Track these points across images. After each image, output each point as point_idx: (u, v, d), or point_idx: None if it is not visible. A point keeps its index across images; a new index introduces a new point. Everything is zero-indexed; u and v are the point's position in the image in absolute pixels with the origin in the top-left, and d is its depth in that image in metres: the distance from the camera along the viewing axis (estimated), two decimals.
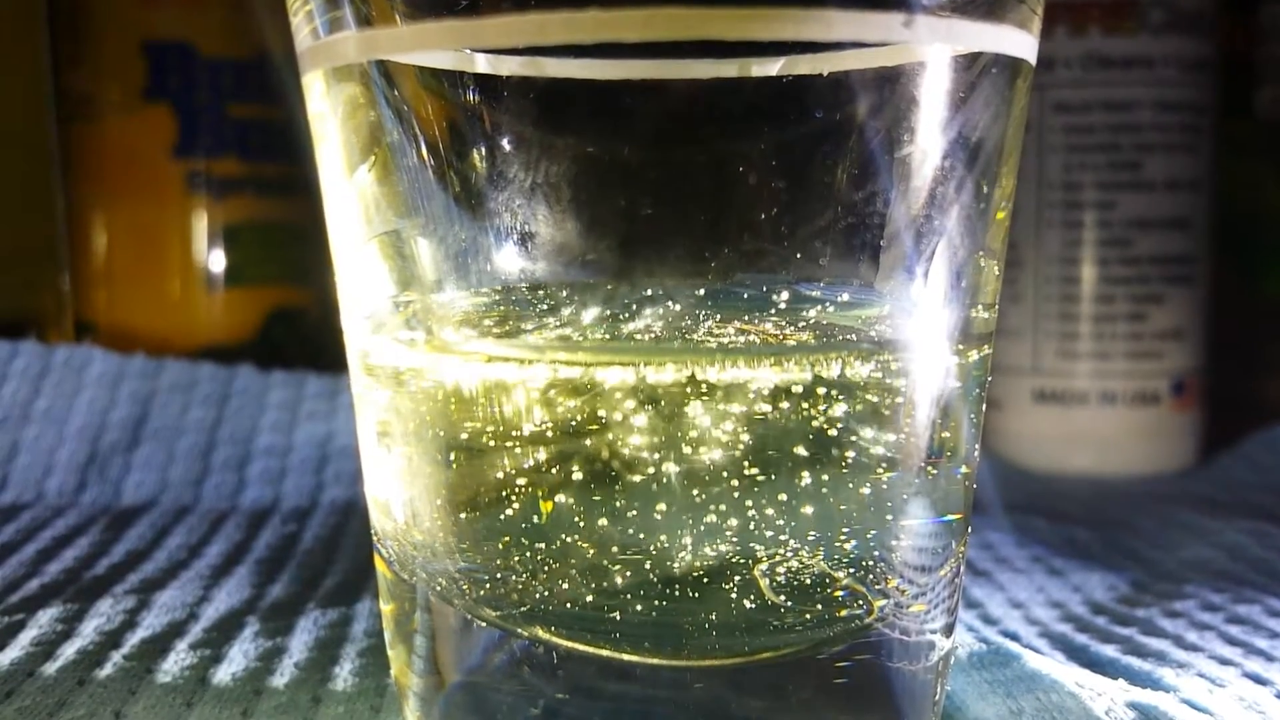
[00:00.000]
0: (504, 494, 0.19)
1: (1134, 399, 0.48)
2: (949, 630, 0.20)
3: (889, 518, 0.19)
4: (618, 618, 0.19)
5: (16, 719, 0.23)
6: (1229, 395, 0.51)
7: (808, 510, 0.19)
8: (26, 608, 0.29)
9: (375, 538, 0.21)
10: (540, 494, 0.19)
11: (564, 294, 0.19)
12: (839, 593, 0.19)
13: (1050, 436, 0.48)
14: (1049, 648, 0.28)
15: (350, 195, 0.20)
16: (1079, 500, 0.44)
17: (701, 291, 0.19)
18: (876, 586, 0.19)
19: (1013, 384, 0.49)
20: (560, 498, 0.19)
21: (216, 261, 0.51)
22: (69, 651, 0.27)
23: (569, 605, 0.19)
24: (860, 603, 0.19)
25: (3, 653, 0.26)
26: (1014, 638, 0.28)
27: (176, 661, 0.26)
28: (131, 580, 0.32)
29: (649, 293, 0.19)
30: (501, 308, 0.19)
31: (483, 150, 0.19)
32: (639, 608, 0.18)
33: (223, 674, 0.26)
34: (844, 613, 0.19)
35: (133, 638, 0.28)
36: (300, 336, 0.52)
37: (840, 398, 0.19)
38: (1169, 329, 0.48)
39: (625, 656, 0.19)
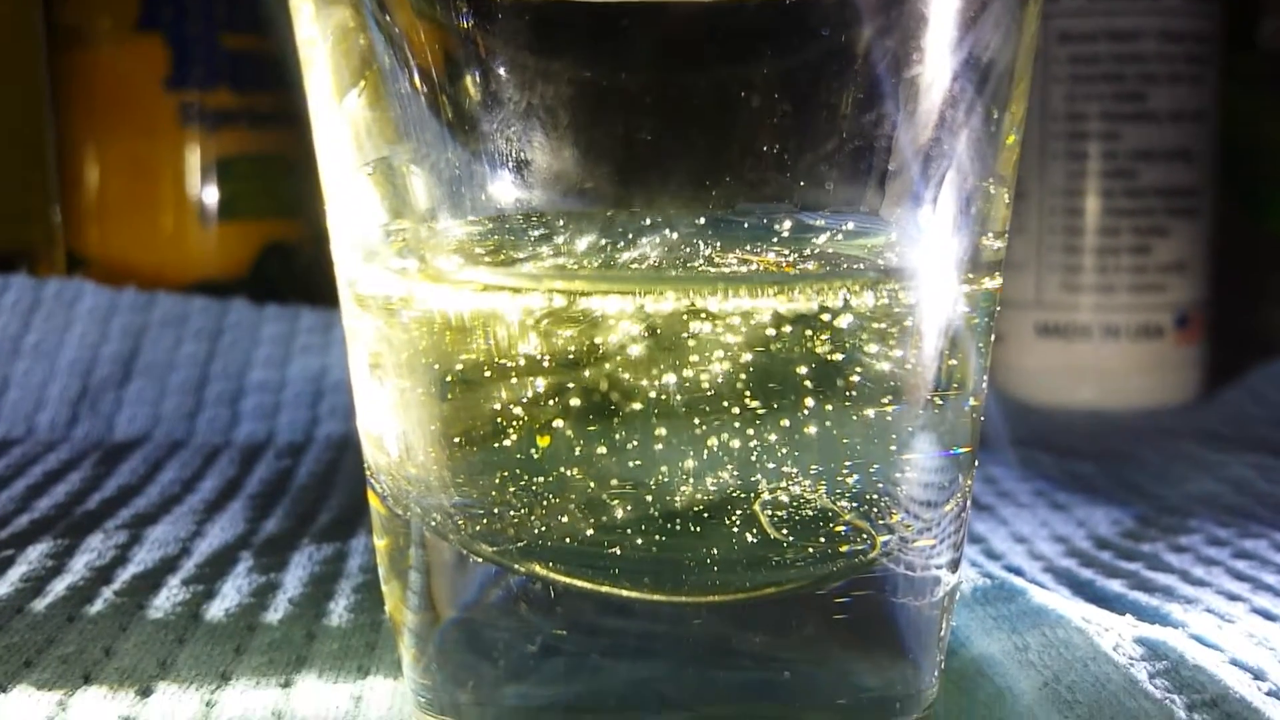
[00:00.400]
0: (499, 427, 0.18)
1: (1137, 332, 0.48)
2: (954, 566, 0.20)
3: (894, 451, 0.19)
4: (616, 553, 0.18)
5: (5, 656, 0.23)
6: (1233, 328, 0.50)
7: (811, 444, 0.18)
8: (16, 543, 0.29)
9: (369, 472, 0.20)
10: (536, 427, 0.18)
11: (561, 222, 0.19)
12: (841, 528, 0.18)
13: (1053, 370, 0.48)
14: (1054, 583, 0.27)
15: (340, 122, 0.19)
16: (1082, 434, 0.43)
17: (702, 220, 0.19)
18: (881, 521, 0.19)
19: (1015, 317, 0.48)
20: (557, 430, 0.18)
21: (209, 195, 0.50)
22: (59, 587, 0.26)
23: (566, 540, 0.18)
24: (864, 538, 0.19)
25: None
26: (1018, 573, 0.27)
27: (168, 597, 0.26)
28: (123, 515, 0.32)
29: (648, 221, 0.19)
30: (496, 236, 0.19)
31: (476, 75, 0.18)
32: (638, 543, 0.18)
33: (215, 610, 0.25)
34: (846, 548, 0.19)
35: (124, 573, 0.27)
36: (294, 271, 0.51)
37: (845, 328, 0.18)
38: (1173, 262, 0.48)
39: (624, 592, 0.18)
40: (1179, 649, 0.21)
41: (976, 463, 0.20)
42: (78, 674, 0.22)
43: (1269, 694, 0.20)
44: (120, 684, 0.22)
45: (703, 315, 0.18)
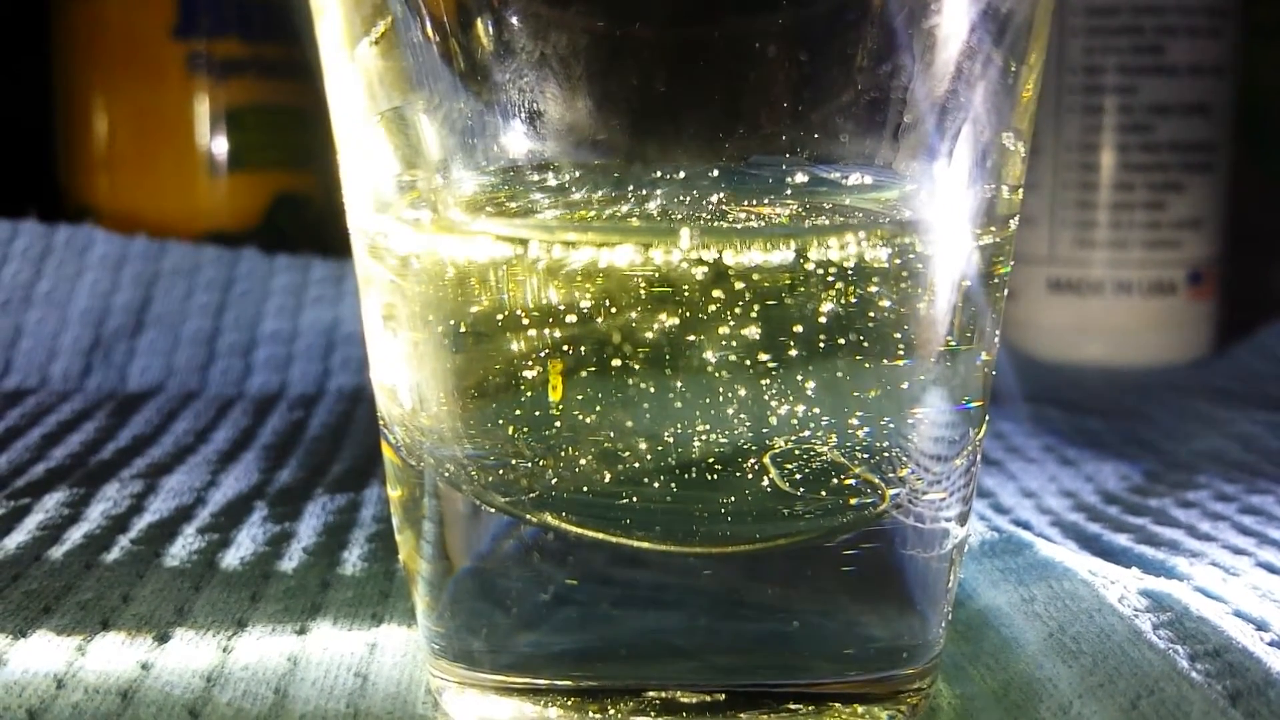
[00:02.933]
0: (512, 378, 0.18)
1: (1150, 288, 0.47)
2: (963, 519, 0.20)
3: (906, 404, 0.19)
4: (628, 504, 0.18)
5: (24, 603, 0.23)
6: (1245, 285, 0.50)
7: (823, 396, 0.18)
8: (32, 492, 0.29)
9: (382, 423, 0.21)
10: (549, 378, 0.18)
11: (574, 174, 0.19)
12: (851, 480, 0.19)
13: (1064, 326, 0.48)
14: (1061, 536, 0.27)
15: (352, 72, 0.19)
16: (1092, 390, 0.43)
17: (715, 172, 0.19)
18: (891, 474, 0.19)
19: (1027, 273, 0.48)
20: (569, 382, 0.18)
21: (219, 146, 0.50)
22: (75, 536, 0.26)
23: (579, 491, 0.18)
24: (874, 491, 0.19)
25: (9, 537, 0.26)
26: (1026, 526, 0.28)
27: (184, 546, 0.26)
28: (138, 465, 0.32)
29: (661, 173, 0.19)
30: (509, 187, 0.19)
31: (489, 24, 0.18)
32: (650, 494, 0.18)
33: (231, 558, 0.26)
34: (856, 500, 0.19)
35: (140, 522, 0.28)
36: (305, 222, 0.51)
37: (858, 281, 0.18)
38: (1187, 218, 0.47)
39: (636, 543, 0.18)
40: (1183, 601, 0.21)
41: (987, 417, 0.21)
42: (96, 620, 0.22)
43: (1271, 645, 0.20)
44: (138, 630, 0.22)
45: (715, 267, 0.18)
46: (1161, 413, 0.39)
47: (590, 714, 0.18)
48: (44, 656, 0.21)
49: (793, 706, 0.19)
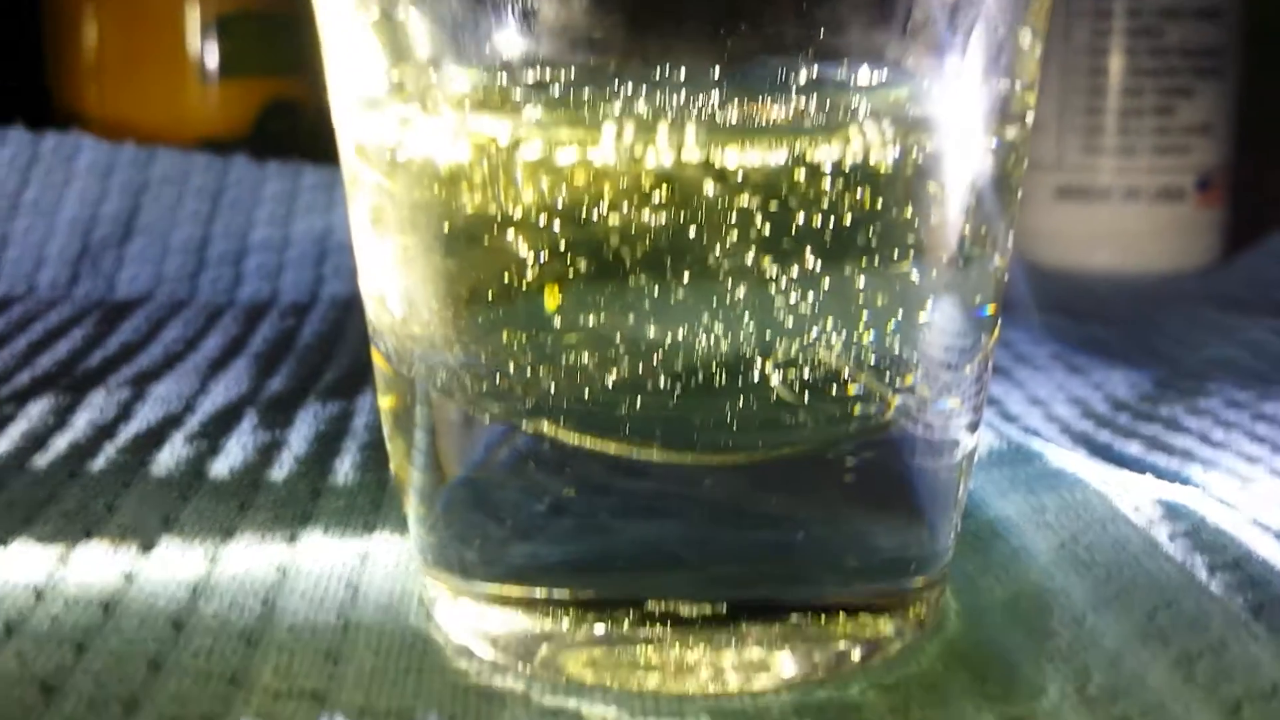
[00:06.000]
0: (504, 282, 0.18)
1: (1158, 195, 0.47)
2: (974, 428, 0.20)
3: (917, 310, 0.18)
4: (627, 412, 0.18)
5: (6, 512, 0.22)
6: (1254, 191, 0.49)
7: (830, 302, 0.17)
8: (17, 400, 0.29)
9: (372, 331, 0.20)
10: (543, 282, 0.17)
11: (569, 73, 0.18)
12: (856, 388, 0.18)
13: (1072, 233, 0.47)
14: (1071, 445, 0.27)
15: None
16: (1100, 298, 0.43)
17: (718, 71, 0.18)
18: (899, 382, 0.18)
19: (1034, 180, 0.47)
20: (564, 286, 0.17)
21: (209, 52, 0.49)
22: (61, 444, 0.26)
23: (575, 399, 0.18)
24: (880, 399, 0.18)
25: None
26: (1035, 435, 0.27)
27: (172, 454, 0.26)
28: (125, 373, 0.31)
29: (661, 72, 0.18)
30: (501, 85, 0.18)
31: None
32: (649, 402, 0.18)
33: (219, 467, 0.25)
34: (861, 409, 0.18)
35: (127, 430, 0.27)
36: (296, 129, 0.50)
37: (867, 182, 0.17)
38: (1196, 123, 0.47)
39: (634, 452, 0.18)
40: (1199, 510, 0.21)
41: (999, 323, 0.20)
42: (79, 529, 0.22)
43: None
44: (123, 539, 0.21)
45: (717, 168, 0.17)
46: (1170, 320, 0.39)
47: (588, 626, 0.18)
48: (24, 567, 0.20)
49: (796, 618, 0.18)
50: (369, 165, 0.19)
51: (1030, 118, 0.19)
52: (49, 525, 0.22)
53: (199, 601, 0.19)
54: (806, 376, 0.18)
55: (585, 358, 0.18)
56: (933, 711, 0.17)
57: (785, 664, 0.18)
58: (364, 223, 0.19)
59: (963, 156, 0.18)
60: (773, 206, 0.17)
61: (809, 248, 0.17)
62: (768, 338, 0.17)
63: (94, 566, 0.20)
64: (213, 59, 0.49)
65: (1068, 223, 0.47)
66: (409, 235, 0.18)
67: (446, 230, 0.18)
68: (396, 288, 0.19)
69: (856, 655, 0.18)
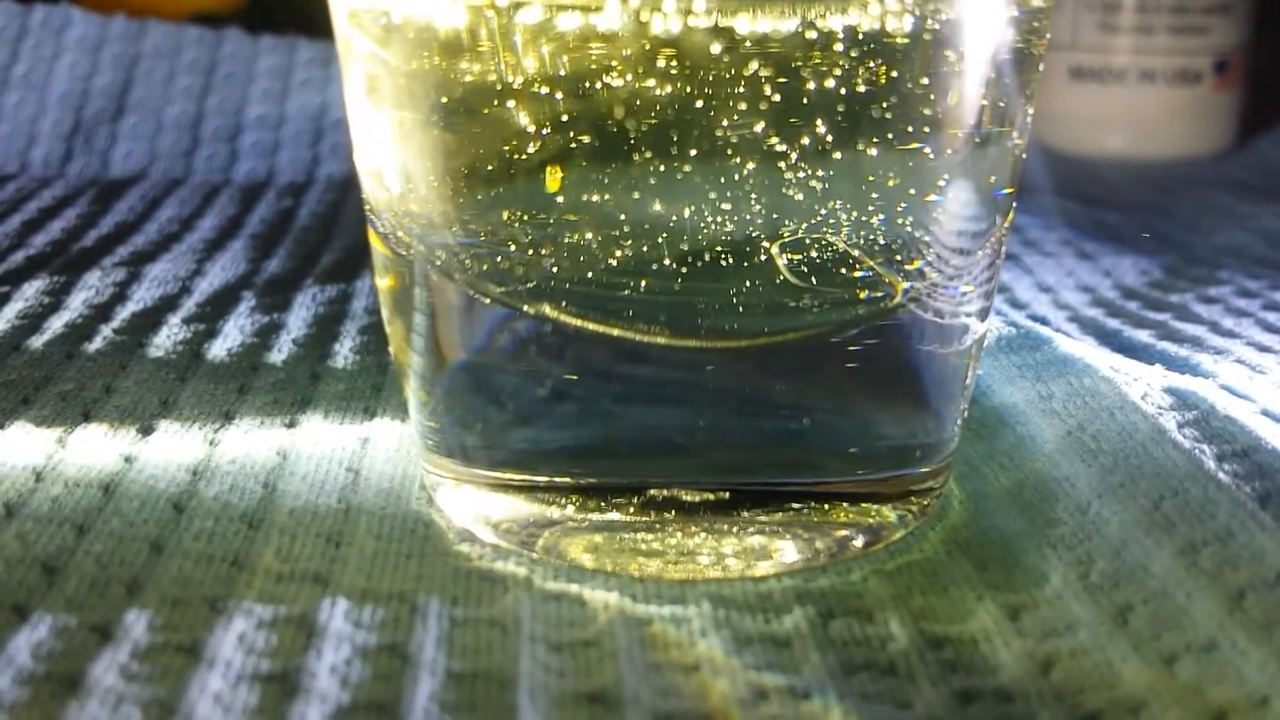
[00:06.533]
0: (506, 158, 0.17)
1: (1174, 77, 0.46)
2: (985, 314, 0.19)
3: (930, 191, 0.17)
4: (630, 295, 0.17)
5: (3, 393, 0.22)
6: (1271, 75, 0.48)
7: (840, 182, 0.17)
8: (11, 280, 0.28)
9: (368, 209, 0.19)
10: (545, 158, 0.17)
11: None
12: (861, 272, 0.17)
13: (1085, 116, 0.46)
14: (1079, 332, 0.27)
15: None
16: (1111, 183, 0.42)
17: None
18: (909, 266, 0.18)
19: (1048, 60, 0.46)
20: (568, 162, 0.17)
21: None
22: (56, 325, 0.26)
23: (578, 281, 0.17)
24: (887, 284, 0.18)
25: None
26: (1043, 322, 0.27)
27: (169, 336, 0.25)
28: (121, 253, 0.31)
29: None
30: None
31: None
32: (652, 285, 0.17)
33: (217, 349, 0.25)
34: (866, 294, 0.18)
35: (123, 311, 0.27)
36: (291, 2, 0.49)
37: (881, 54, 0.16)
38: (1216, 3, 0.45)
39: (637, 336, 0.17)
40: (1209, 399, 0.20)
41: (1014, 206, 0.19)
42: (77, 411, 0.22)
43: None
44: (121, 421, 0.21)
45: (726, 36, 0.16)
46: (1182, 206, 0.38)
47: (589, 511, 0.18)
48: (23, 449, 0.20)
49: (798, 505, 0.18)
50: (363, 33, 0.18)
51: None
52: (46, 407, 0.22)
53: (199, 484, 0.19)
54: (814, 258, 0.17)
55: (588, 237, 0.17)
56: (934, 598, 0.17)
57: (787, 550, 0.18)
58: (358, 95, 0.19)
59: (982, 26, 0.17)
60: (783, 78, 0.16)
61: (820, 122, 0.17)
62: (775, 218, 0.17)
63: (93, 449, 0.20)
64: None
65: (1080, 105, 0.46)
66: (405, 107, 0.18)
67: (444, 101, 0.17)
68: (393, 163, 0.18)
69: (859, 542, 0.18)
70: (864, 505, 0.18)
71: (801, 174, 0.17)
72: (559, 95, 0.17)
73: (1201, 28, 0.45)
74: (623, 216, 0.17)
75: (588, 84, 0.17)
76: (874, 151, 0.17)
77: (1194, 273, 0.31)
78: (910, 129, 0.17)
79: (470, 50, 0.17)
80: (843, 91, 0.17)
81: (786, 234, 0.17)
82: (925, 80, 0.17)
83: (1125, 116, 0.46)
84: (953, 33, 0.17)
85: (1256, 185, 0.41)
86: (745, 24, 0.16)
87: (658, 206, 0.17)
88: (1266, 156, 0.45)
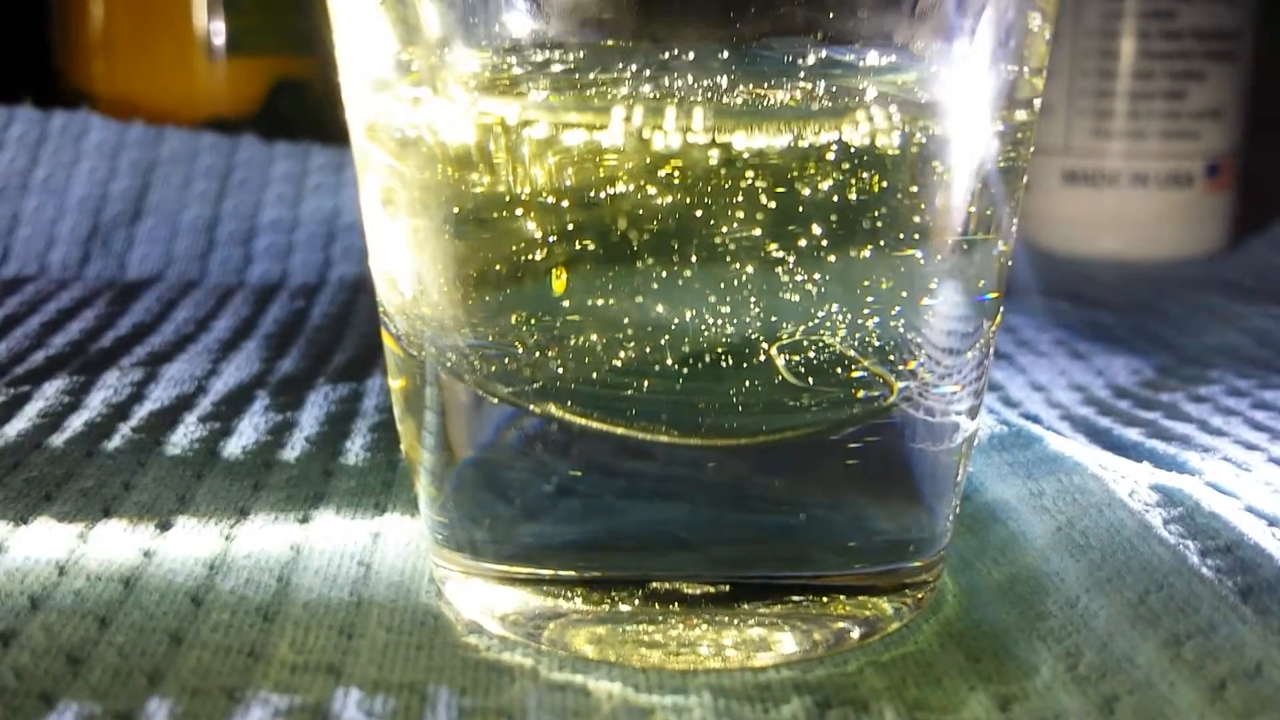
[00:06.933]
0: (513, 264, 0.18)
1: (1167, 180, 0.47)
2: (974, 413, 0.20)
3: (920, 295, 0.18)
4: (633, 395, 0.18)
5: (25, 490, 0.23)
6: (1262, 177, 0.49)
7: (834, 286, 0.18)
8: (32, 380, 0.29)
9: (382, 312, 0.20)
10: (552, 264, 0.18)
11: (578, 54, 0.18)
12: (860, 372, 0.18)
13: (1078, 218, 0.47)
14: (1071, 431, 0.27)
15: None
16: (1105, 284, 0.43)
17: (726, 54, 0.18)
18: (901, 367, 0.18)
19: (1042, 164, 0.47)
20: (573, 268, 0.18)
21: (217, 29, 0.49)
22: (76, 423, 0.26)
23: (582, 382, 0.18)
24: (883, 383, 0.18)
25: (9, 424, 0.26)
26: (1035, 420, 0.27)
27: (185, 434, 0.26)
28: (138, 353, 0.32)
29: (669, 54, 0.18)
30: (510, 67, 0.18)
31: None
32: (655, 385, 0.18)
33: (232, 447, 0.25)
34: (864, 393, 0.18)
35: (140, 410, 0.27)
36: (305, 108, 0.50)
37: (873, 166, 0.17)
38: (1207, 108, 0.46)
39: (640, 434, 0.18)
40: (1194, 496, 0.21)
41: (1001, 309, 0.20)
42: (97, 508, 0.22)
43: None
44: (140, 517, 0.22)
45: (724, 150, 0.17)
46: (1174, 307, 0.39)
47: (593, 604, 0.18)
48: (46, 543, 0.21)
49: (796, 598, 0.19)
50: (379, 146, 0.19)
51: (1038, 102, 0.20)
52: (68, 504, 0.22)
53: (216, 578, 0.20)
54: (811, 359, 0.18)
55: (593, 339, 0.18)
56: (928, 689, 0.17)
57: (786, 642, 0.18)
58: (374, 203, 0.20)
59: (969, 141, 0.18)
60: (779, 189, 0.17)
61: (815, 230, 0.17)
62: (773, 320, 0.18)
63: (113, 544, 0.21)
64: (221, 36, 0.49)
65: (1075, 207, 0.47)
66: (419, 216, 0.19)
67: (456, 211, 0.18)
68: (407, 269, 0.19)
69: (855, 634, 0.19)
70: (861, 598, 0.19)
71: (798, 278, 0.18)
72: (565, 205, 0.17)
73: (1192, 132, 0.47)
74: (626, 320, 0.18)
75: (592, 194, 0.17)
76: (866, 257, 0.18)
77: (1185, 372, 0.32)
78: (901, 236, 0.18)
79: (481, 163, 0.18)
80: (835, 201, 0.17)
81: (785, 335, 0.18)
82: (914, 191, 0.18)
83: (1118, 219, 0.47)
84: (940, 147, 0.18)
85: (1248, 286, 0.42)
86: (742, 140, 0.17)
87: (660, 310, 0.18)
88: (1258, 257, 0.46)
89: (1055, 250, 0.47)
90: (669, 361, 0.18)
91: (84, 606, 0.19)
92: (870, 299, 0.18)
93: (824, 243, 0.17)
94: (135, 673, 0.17)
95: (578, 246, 0.18)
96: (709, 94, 0.18)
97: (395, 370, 0.20)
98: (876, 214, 0.18)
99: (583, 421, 0.18)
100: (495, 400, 0.19)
